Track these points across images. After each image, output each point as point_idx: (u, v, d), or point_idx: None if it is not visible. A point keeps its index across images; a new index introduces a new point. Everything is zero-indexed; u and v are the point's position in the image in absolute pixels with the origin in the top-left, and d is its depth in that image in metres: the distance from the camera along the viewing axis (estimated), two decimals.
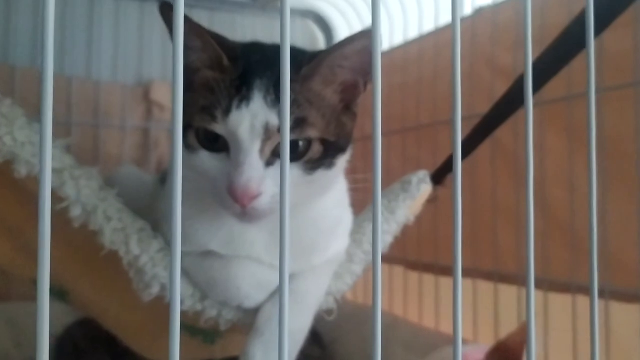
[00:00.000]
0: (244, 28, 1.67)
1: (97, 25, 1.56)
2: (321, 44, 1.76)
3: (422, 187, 0.88)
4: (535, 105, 1.05)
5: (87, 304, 0.84)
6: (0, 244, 0.76)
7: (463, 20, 1.32)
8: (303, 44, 1.74)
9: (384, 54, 1.54)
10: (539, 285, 1.10)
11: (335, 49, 0.67)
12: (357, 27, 1.72)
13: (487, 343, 1.20)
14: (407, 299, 1.46)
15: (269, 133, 0.63)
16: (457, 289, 0.45)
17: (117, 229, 0.70)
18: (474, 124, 1.22)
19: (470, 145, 0.90)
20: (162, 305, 0.72)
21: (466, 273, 1.25)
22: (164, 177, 0.92)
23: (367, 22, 1.50)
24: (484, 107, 1.26)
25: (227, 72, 0.67)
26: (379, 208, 0.39)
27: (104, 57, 1.57)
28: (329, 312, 0.80)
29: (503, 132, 1.01)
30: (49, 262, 0.32)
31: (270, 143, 0.64)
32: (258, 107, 0.64)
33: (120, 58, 1.59)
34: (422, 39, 1.44)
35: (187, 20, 0.63)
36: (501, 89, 1.22)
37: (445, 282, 1.35)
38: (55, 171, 0.67)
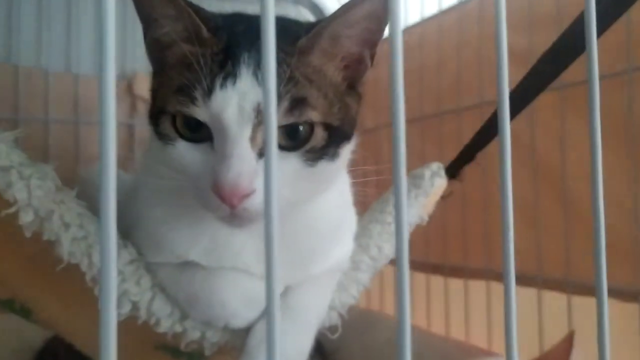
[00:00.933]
0: None
1: (76, 16, 1.45)
2: None
3: (436, 182, 0.77)
4: (553, 89, 0.96)
5: (53, 324, 0.73)
6: None
7: (470, 1, 1.21)
8: None
9: (382, 41, 1.44)
10: (560, 288, 1.00)
11: (338, 15, 0.56)
12: None
13: (501, 352, 1.11)
14: (414, 303, 1.35)
15: (260, 116, 0.52)
16: (510, 298, 0.35)
17: (77, 238, 0.59)
18: (483, 112, 1.12)
19: (487, 134, 0.79)
20: (135, 325, 0.62)
21: (479, 274, 1.16)
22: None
23: None
24: (494, 94, 1.16)
25: (208, 44, 0.56)
26: (404, 203, 0.28)
27: (84, 50, 1.46)
28: (332, 329, 0.69)
29: (517, 123, 0.92)
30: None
31: (263, 128, 0.52)
32: (247, 85, 0.53)
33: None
34: (424, 23, 1.33)
35: None
36: (514, 74, 1.12)
37: (455, 284, 1.24)
38: (0, 170, 0.56)
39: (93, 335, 0.72)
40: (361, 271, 0.72)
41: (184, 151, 0.55)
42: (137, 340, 0.65)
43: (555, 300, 1.02)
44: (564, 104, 0.98)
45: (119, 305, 0.60)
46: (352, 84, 0.62)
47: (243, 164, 0.52)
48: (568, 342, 0.78)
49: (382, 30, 0.59)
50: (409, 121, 1.33)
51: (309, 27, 0.58)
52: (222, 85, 0.53)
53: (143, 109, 1.48)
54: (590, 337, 0.91)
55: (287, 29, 0.57)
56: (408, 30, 1.37)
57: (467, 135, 1.16)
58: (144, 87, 1.48)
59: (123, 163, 1.44)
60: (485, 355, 1.02)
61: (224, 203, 0.52)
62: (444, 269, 1.25)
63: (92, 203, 0.70)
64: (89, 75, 1.45)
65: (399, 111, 0.31)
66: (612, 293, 0.91)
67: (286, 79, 0.54)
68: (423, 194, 0.76)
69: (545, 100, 0.86)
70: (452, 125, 1.20)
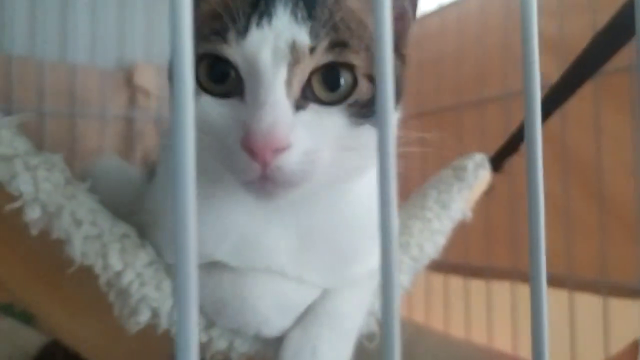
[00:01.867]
0: None
1: (72, 1, 1.37)
2: None
3: (480, 174, 0.70)
4: None
5: (58, 330, 0.66)
6: None
7: None
8: None
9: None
10: (595, 289, 0.94)
11: None
12: None
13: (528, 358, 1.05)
14: (430, 304, 1.29)
15: (297, 54, 0.47)
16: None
17: (90, 237, 0.52)
18: (509, 104, 1.07)
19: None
20: (154, 334, 0.55)
21: (503, 274, 1.10)
22: (152, 172, 0.74)
23: None
24: (520, 84, 1.11)
25: None
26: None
27: (80, 38, 1.38)
28: (369, 337, 0.62)
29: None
30: None
31: (300, 71, 0.47)
32: (283, 24, 0.47)
33: (99, 38, 1.40)
34: (442, 11, 1.27)
35: None
36: (545, 62, 1.07)
37: (476, 285, 1.18)
38: (3, 159, 0.49)
39: (102, 346, 0.65)
40: (403, 273, 0.65)
41: (209, 107, 0.48)
42: (155, 352, 0.58)
43: (587, 302, 0.96)
44: (599, 93, 0.92)
45: (137, 312, 0.53)
46: (396, 45, 0.55)
47: (278, 113, 0.45)
48: (633, 351, 0.72)
49: None
50: (425, 114, 1.27)
51: None
52: (258, 25, 0.47)
53: (144, 101, 1.41)
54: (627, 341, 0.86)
55: None
56: (425, 19, 1.31)
57: (491, 129, 1.10)
58: (145, 77, 1.40)
59: (122, 156, 1.38)
60: None
61: (255, 160, 0.45)
62: (464, 269, 1.19)
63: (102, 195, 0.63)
64: (85, 65, 1.38)
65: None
66: None
67: (324, 22, 0.48)
68: (467, 188, 0.70)
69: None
70: (474, 118, 1.14)
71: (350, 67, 0.49)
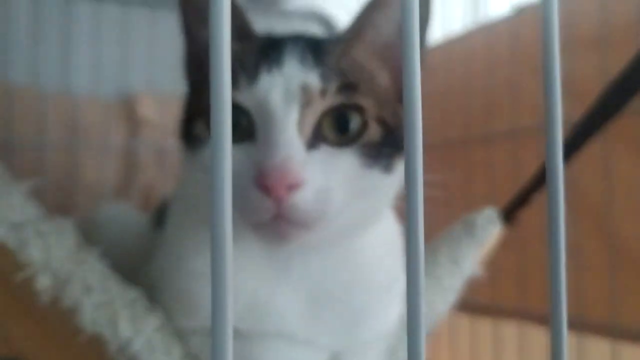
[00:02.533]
0: None
1: (74, 33, 1.37)
2: None
3: (490, 230, 0.69)
4: None
5: None
6: None
7: (502, 21, 1.15)
8: None
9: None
10: (606, 332, 0.93)
11: (377, 4, 0.52)
12: None
13: None
14: (456, 349, 1.27)
15: (308, 96, 0.48)
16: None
17: (101, 304, 0.51)
18: (517, 140, 1.06)
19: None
20: None
21: (511, 313, 1.09)
22: (159, 216, 0.73)
23: None
24: (528, 120, 1.10)
25: (252, 39, 0.54)
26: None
27: (82, 69, 1.37)
28: None
29: None
30: None
31: (310, 112, 0.48)
32: (293, 69, 0.49)
33: (100, 69, 1.39)
34: (450, 43, 1.27)
35: None
36: None
37: (483, 323, 1.16)
38: (14, 226, 0.48)
39: None
40: None
41: None
42: None
43: (596, 345, 0.95)
44: (609, 134, 0.91)
45: None
46: (401, 96, 0.55)
47: (290, 149, 0.46)
48: None
49: (427, 26, 0.53)
50: (432, 147, 1.26)
51: None
52: (268, 70, 0.49)
53: (145, 132, 1.39)
54: None
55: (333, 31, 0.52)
56: (432, 52, 1.30)
57: (499, 164, 1.09)
58: (147, 108, 1.39)
59: (122, 190, 1.36)
60: None
61: (268, 197, 0.45)
62: (472, 307, 1.17)
63: (105, 246, 0.61)
64: (87, 96, 1.37)
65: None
66: None
67: (333, 68, 0.50)
68: (477, 244, 0.69)
69: None
70: (482, 153, 1.13)
71: (360, 110, 0.49)
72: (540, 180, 0.75)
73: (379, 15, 0.52)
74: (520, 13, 1.10)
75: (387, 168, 0.50)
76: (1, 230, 0.47)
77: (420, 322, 0.25)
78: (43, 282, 0.49)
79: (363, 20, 0.52)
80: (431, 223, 0.86)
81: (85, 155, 1.34)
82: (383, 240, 0.58)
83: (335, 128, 0.48)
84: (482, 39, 1.16)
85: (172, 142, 1.40)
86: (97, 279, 0.51)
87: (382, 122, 0.50)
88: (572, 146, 0.73)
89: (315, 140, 0.48)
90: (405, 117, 0.26)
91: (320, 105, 0.48)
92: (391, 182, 0.52)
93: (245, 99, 0.48)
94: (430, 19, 0.53)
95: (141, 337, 0.51)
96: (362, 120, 0.49)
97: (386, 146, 0.50)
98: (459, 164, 1.20)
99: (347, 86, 0.49)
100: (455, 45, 1.24)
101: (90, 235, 0.60)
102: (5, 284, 0.50)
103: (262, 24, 1.57)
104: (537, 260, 1.04)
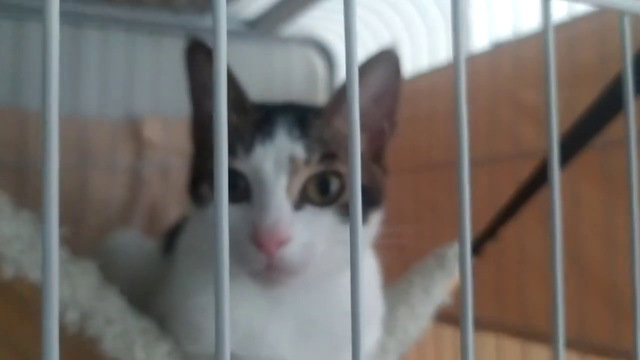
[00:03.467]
0: (239, 57, 1.57)
1: (83, 58, 1.45)
2: (321, 73, 1.66)
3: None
4: None
5: None
6: None
7: (482, 54, 1.23)
8: (302, 74, 1.65)
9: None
10: (573, 346, 1.02)
11: None
12: (360, 55, 1.64)
13: None
14: (423, 354, 1.36)
15: (295, 165, 0.57)
16: None
17: (119, 333, 0.59)
18: (495, 167, 1.14)
19: (510, 210, 0.80)
20: None
21: (489, 326, 1.17)
22: (167, 242, 0.82)
23: (371, 48, 1.40)
24: (506, 148, 1.19)
25: (249, 112, 0.63)
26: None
27: (90, 92, 1.46)
28: None
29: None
30: None
31: (297, 179, 0.57)
32: (282, 142, 0.58)
33: (108, 93, 1.47)
34: (435, 72, 1.35)
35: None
36: (525, 128, 1.15)
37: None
38: None
39: None
40: (388, 353, 0.73)
41: None
42: None
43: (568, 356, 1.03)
44: (577, 166, 1.00)
45: None
46: (376, 156, 0.66)
47: (280, 212, 0.55)
48: None
49: (397, 98, 0.63)
50: (418, 169, 1.34)
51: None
52: (262, 142, 0.58)
53: (150, 153, 1.48)
54: None
55: (315, 103, 0.63)
56: (418, 79, 1.39)
57: (478, 189, 1.17)
58: (152, 130, 1.48)
59: (129, 206, 1.45)
60: None
61: (262, 251, 0.54)
62: (455, 319, 1.26)
63: (116, 272, 0.70)
64: (95, 118, 1.45)
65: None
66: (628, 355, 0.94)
67: (316, 139, 0.59)
68: (447, 275, 0.77)
69: None
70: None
71: (339, 175, 0.59)
72: (510, 211, 0.83)
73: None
74: (497, 47, 1.19)
75: (364, 221, 0.60)
76: (37, 274, 0.56)
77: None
78: (71, 317, 0.57)
79: (342, 95, 0.61)
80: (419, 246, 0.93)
81: (94, 174, 1.43)
82: (364, 277, 0.67)
83: (318, 191, 0.58)
84: (464, 70, 1.25)
85: (175, 162, 1.48)
86: (116, 312, 0.60)
87: None
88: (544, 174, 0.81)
89: (301, 201, 0.57)
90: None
91: (305, 173, 0.57)
92: (366, 231, 0.61)
93: (243, 167, 0.57)
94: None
95: None
96: (340, 184, 0.58)
97: (362, 203, 0.58)
98: (444, 184, 1.29)
99: (328, 155, 0.58)
100: (441, 74, 1.33)
101: (104, 260, 0.70)
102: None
103: (260, 56, 1.65)
104: (514, 275, 1.13)
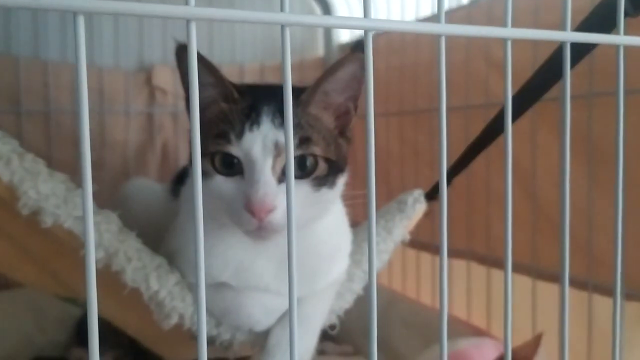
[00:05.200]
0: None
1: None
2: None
3: (417, 207, 0.93)
4: None
5: (107, 316, 0.90)
6: (27, 269, 0.84)
7: (459, 9, 1.33)
8: (299, 18, 1.75)
9: (381, 36, 1.56)
10: (528, 272, 1.17)
11: (327, 75, 0.73)
12: (345, 9, 1.73)
13: (480, 325, 1.29)
14: (406, 275, 1.54)
15: (278, 150, 0.69)
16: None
17: (138, 268, 0.76)
18: (469, 114, 1.27)
19: (462, 164, 0.94)
20: (180, 331, 0.80)
21: (461, 254, 1.34)
22: (174, 187, 0.98)
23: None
24: (479, 99, 1.30)
25: (238, 102, 0.73)
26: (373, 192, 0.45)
27: (105, 43, 1.59)
28: (331, 327, 0.87)
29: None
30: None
31: (280, 160, 0.70)
32: (267, 129, 0.70)
33: (121, 44, 1.60)
34: (420, 24, 1.45)
35: (201, 58, 0.69)
36: (496, 82, 1.26)
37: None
38: (78, 218, 0.73)
39: (141, 328, 0.89)
40: (355, 282, 0.90)
41: (221, 183, 0.72)
42: (180, 334, 0.83)
43: (521, 283, 1.19)
44: (536, 117, 1.12)
45: (169, 317, 0.78)
46: (342, 131, 0.79)
47: (267, 187, 0.68)
48: (536, 342, 0.94)
49: (361, 86, 0.75)
50: (404, 113, 1.47)
51: (307, 88, 0.74)
52: (250, 129, 0.70)
53: (161, 99, 1.62)
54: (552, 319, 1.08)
55: (294, 90, 0.72)
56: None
57: (456, 133, 1.30)
58: (161, 78, 1.61)
59: (144, 147, 1.60)
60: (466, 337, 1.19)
61: (253, 217, 0.69)
62: (431, 248, 1.42)
63: (133, 216, 0.87)
64: (110, 68, 1.58)
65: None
66: (571, 282, 1.09)
67: (294, 125, 0.70)
68: (406, 218, 0.93)
69: None
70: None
71: (313, 155, 0.73)
72: (458, 166, 0.96)
73: (329, 83, 0.73)
74: (474, 3, 1.28)
75: (332, 186, 0.75)
76: (70, 221, 0.72)
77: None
78: (98, 255, 0.74)
79: (318, 86, 0.73)
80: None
81: (111, 119, 1.58)
82: (333, 223, 0.84)
83: (297, 168, 0.71)
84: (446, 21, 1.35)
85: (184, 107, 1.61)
86: (134, 252, 0.77)
87: (327, 160, 0.74)
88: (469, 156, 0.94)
89: (283, 176, 0.70)
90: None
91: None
92: (334, 193, 0.77)
93: (235, 150, 0.70)
94: None
95: (165, 290, 0.77)
96: (314, 161, 0.73)
97: (331, 174, 0.74)
98: (426, 128, 1.42)
99: (304, 139, 0.71)
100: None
101: (121, 206, 0.86)
102: (76, 256, 0.73)
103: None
104: (481, 209, 1.28)
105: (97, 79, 1.54)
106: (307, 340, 0.82)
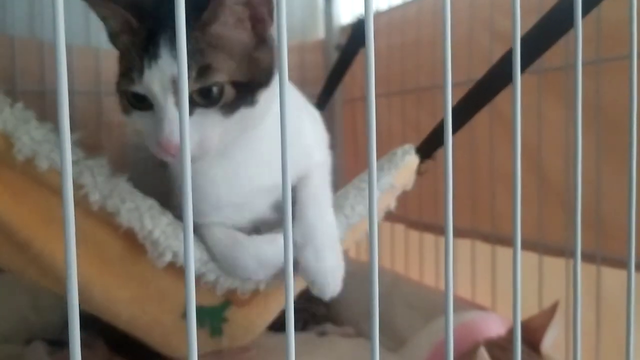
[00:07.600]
0: None
1: None
2: None
3: (406, 158, 0.90)
4: (533, 72, 1.08)
5: (97, 309, 0.84)
6: (13, 258, 0.79)
7: None
8: None
9: (382, 14, 1.54)
10: (533, 248, 1.14)
11: None
12: None
13: (484, 301, 1.26)
14: (409, 257, 1.51)
15: (176, 85, 0.66)
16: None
17: (131, 209, 0.76)
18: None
19: (463, 114, 0.90)
20: (174, 269, 0.79)
21: (465, 234, 1.31)
22: None
23: None
24: (482, 73, 1.28)
25: (138, 34, 0.69)
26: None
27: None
28: None
29: (500, 98, 1.03)
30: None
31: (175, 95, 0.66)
32: (165, 63, 0.66)
33: None
34: (420, 1, 1.44)
35: None
36: (500, 54, 1.24)
37: (413, 233, 1.43)
38: (73, 163, 0.71)
39: (132, 318, 0.85)
40: (337, 228, 0.85)
41: (138, 118, 0.71)
42: (172, 319, 0.83)
43: (526, 259, 1.16)
44: (542, 86, 1.10)
45: (164, 255, 0.77)
46: (260, 41, 0.75)
47: (172, 125, 0.66)
48: (552, 311, 0.91)
49: None
50: (406, 92, 1.45)
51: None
52: (148, 65, 0.67)
53: None
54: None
55: (193, 5, 0.62)
56: (405, 7, 1.48)
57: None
58: None
59: None
60: (474, 310, 1.16)
61: (167, 153, 0.67)
62: (435, 228, 1.40)
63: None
64: (107, 49, 1.55)
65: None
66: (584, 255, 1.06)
67: (193, 51, 0.67)
68: (394, 167, 0.89)
69: (525, 82, 0.97)
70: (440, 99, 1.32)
71: (217, 84, 0.69)
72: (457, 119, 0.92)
73: None
74: None
75: (252, 104, 0.73)
76: None
77: None
78: (94, 197, 0.75)
79: (218, 3, 0.67)
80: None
81: (108, 100, 1.55)
82: (273, 121, 0.80)
83: (201, 97, 0.68)
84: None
85: None
86: (127, 194, 0.77)
87: (235, 83, 0.70)
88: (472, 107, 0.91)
89: (190, 108, 0.67)
90: None
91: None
92: (260, 108, 0.74)
93: (139, 89, 0.68)
94: None
95: (158, 229, 0.77)
96: (219, 88, 0.69)
97: (244, 96, 0.71)
98: (428, 107, 1.40)
99: (204, 68, 0.67)
100: (425, 3, 1.41)
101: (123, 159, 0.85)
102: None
103: None
104: (485, 186, 1.25)
105: (94, 60, 1.51)
106: (325, 212, 0.83)
